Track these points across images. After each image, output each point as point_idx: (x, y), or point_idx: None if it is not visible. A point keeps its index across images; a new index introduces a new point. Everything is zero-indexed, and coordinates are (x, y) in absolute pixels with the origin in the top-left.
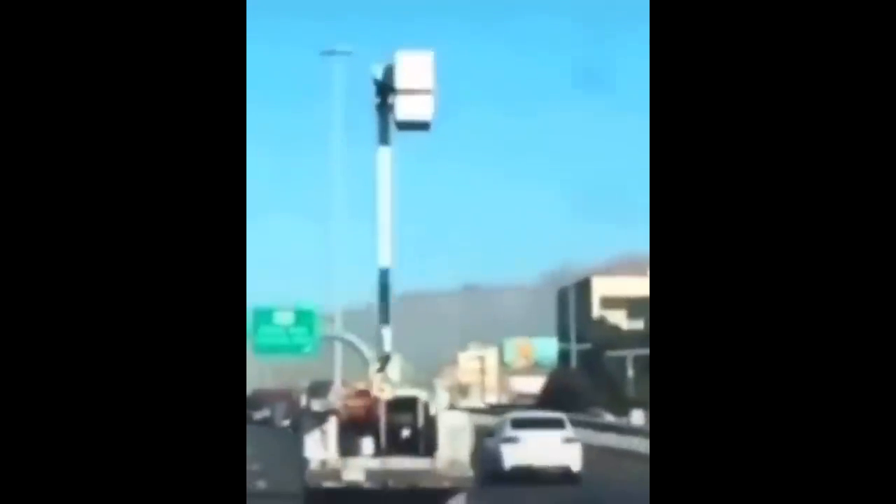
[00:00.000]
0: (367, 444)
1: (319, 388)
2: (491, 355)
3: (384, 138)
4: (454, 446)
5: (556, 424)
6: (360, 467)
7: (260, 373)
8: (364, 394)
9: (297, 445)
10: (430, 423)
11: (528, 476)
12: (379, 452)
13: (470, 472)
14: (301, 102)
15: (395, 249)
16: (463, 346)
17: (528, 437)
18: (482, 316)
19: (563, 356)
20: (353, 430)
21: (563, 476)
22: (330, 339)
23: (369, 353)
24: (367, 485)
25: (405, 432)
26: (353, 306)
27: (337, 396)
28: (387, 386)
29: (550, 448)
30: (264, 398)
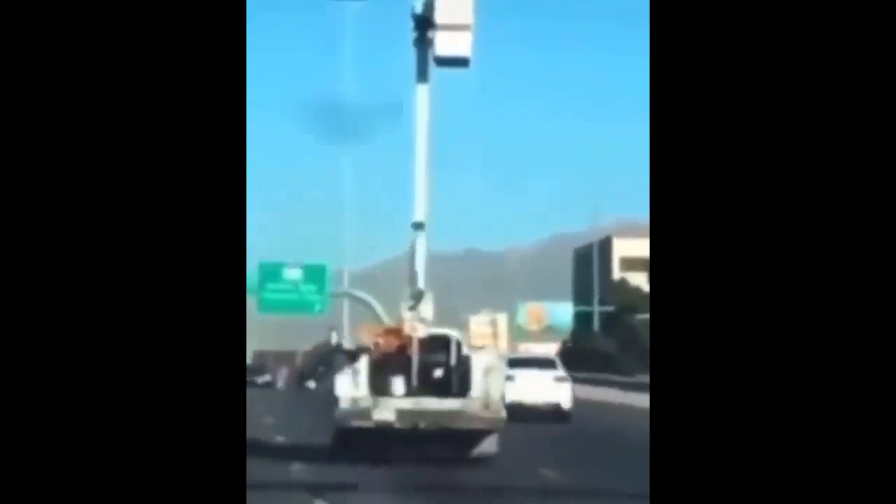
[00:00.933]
0: (399, 383)
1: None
2: (503, 320)
3: (422, 75)
4: (487, 386)
5: (549, 365)
6: (391, 407)
7: (261, 333)
8: (396, 332)
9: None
10: (463, 362)
11: (521, 412)
12: (410, 392)
13: (503, 413)
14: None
15: (431, 195)
16: (474, 310)
17: (522, 375)
18: (489, 278)
19: (582, 319)
20: (384, 369)
21: (554, 413)
22: (340, 297)
23: (382, 311)
24: (398, 425)
25: (437, 372)
26: (363, 265)
27: (368, 335)
28: (419, 324)
29: (543, 386)
30: (266, 361)
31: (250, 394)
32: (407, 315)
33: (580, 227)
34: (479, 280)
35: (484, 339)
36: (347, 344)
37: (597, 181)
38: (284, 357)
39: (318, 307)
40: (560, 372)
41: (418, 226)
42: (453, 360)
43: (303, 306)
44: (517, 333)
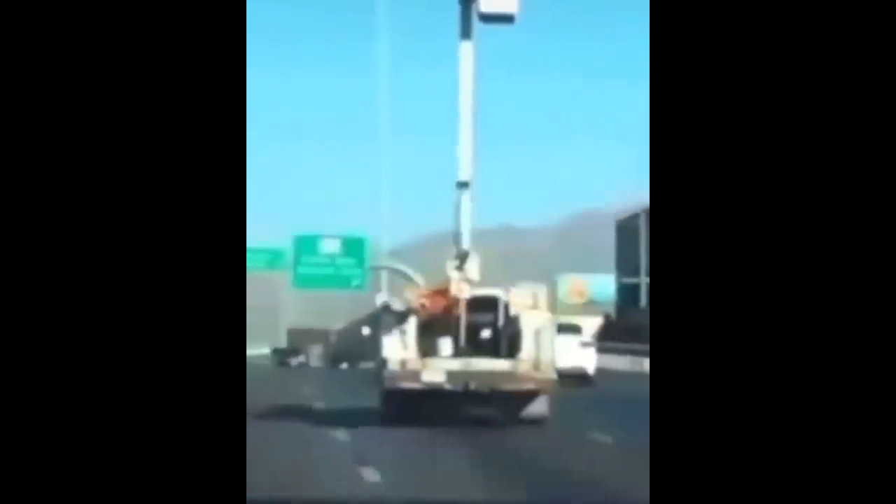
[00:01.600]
0: (446, 344)
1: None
2: (543, 293)
3: (466, 31)
4: (537, 346)
5: (574, 330)
6: (440, 368)
7: (297, 308)
8: (443, 293)
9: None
10: (512, 323)
11: None
12: (458, 353)
13: (554, 374)
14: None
15: (476, 156)
16: (510, 285)
17: None
18: (522, 253)
19: (627, 291)
20: (431, 330)
21: (578, 377)
22: (377, 270)
23: (423, 285)
24: (448, 386)
25: (485, 333)
26: (401, 239)
27: (415, 296)
28: (465, 285)
29: (568, 351)
30: (299, 338)
31: (285, 371)
32: (453, 275)
33: (612, 200)
34: (512, 255)
35: (520, 308)
36: (396, 305)
37: (640, 150)
38: (318, 335)
39: (356, 282)
40: (585, 338)
41: (463, 185)
42: (501, 321)
43: (340, 281)
44: (558, 307)
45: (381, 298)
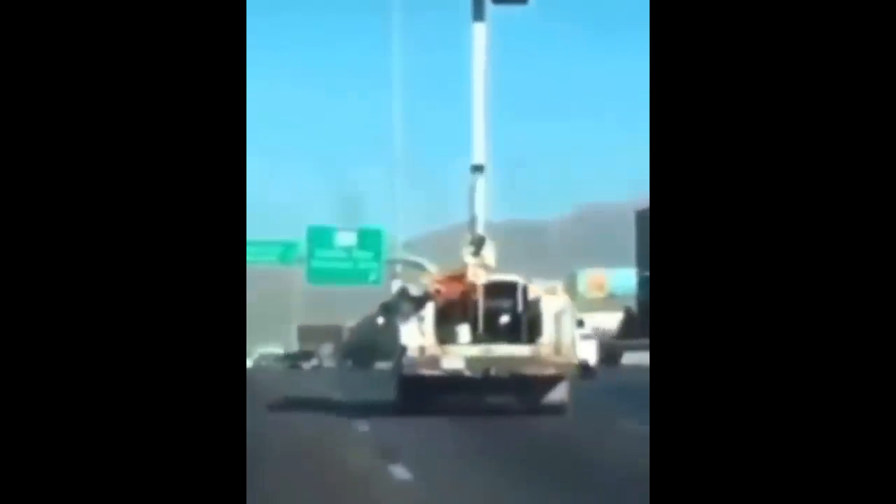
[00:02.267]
0: (465, 331)
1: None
2: (560, 288)
3: (479, 13)
4: (558, 330)
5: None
6: (460, 354)
7: (309, 304)
8: (459, 279)
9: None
10: (531, 307)
11: None
12: (477, 339)
13: (575, 359)
14: None
15: (489, 140)
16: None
17: None
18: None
19: (648, 285)
20: (449, 316)
21: (581, 369)
22: (393, 264)
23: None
24: (468, 372)
25: (504, 318)
26: (416, 232)
27: (431, 281)
28: (482, 270)
29: None
30: (311, 336)
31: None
32: (469, 261)
33: (632, 191)
34: (526, 249)
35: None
36: (413, 291)
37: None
38: (331, 332)
39: (373, 276)
40: (586, 330)
41: (477, 168)
42: (520, 306)
43: (356, 276)
44: (577, 302)
45: (396, 284)
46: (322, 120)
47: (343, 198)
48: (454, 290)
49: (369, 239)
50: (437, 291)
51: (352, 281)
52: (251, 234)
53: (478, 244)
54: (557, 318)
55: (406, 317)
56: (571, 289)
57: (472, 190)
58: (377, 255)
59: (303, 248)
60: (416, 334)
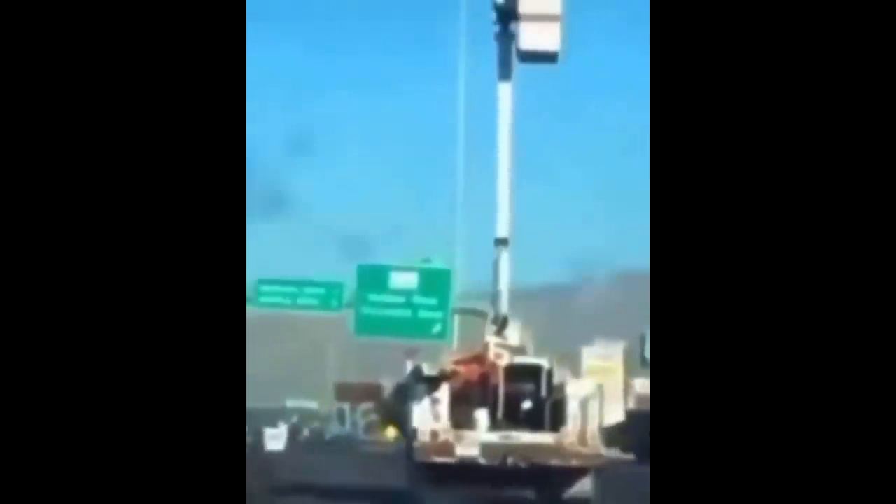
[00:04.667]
0: (483, 415)
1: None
2: (619, 351)
3: (505, 72)
4: (584, 418)
5: None
6: (475, 441)
7: (350, 358)
8: (479, 359)
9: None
10: (555, 393)
11: None
12: (496, 425)
13: (602, 450)
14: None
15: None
16: (587, 341)
17: None
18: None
19: None
20: (466, 399)
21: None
22: (464, 314)
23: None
24: (484, 461)
25: (526, 403)
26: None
27: (448, 361)
28: (504, 351)
29: None
30: (348, 395)
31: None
32: (491, 340)
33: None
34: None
35: (598, 374)
36: (427, 370)
37: None
38: (370, 391)
39: (436, 328)
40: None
41: (501, 242)
42: (544, 391)
43: (416, 327)
44: (642, 365)
45: (410, 364)
46: (379, 143)
47: (400, 231)
48: (473, 372)
49: (433, 281)
50: (455, 372)
51: (409, 333)
52: (289, 273)
53: (501, 323)
54: (584, 404)
55: (419, 398)
56: (637, 353)
57: (495, 264)
58: (443, 302)
59: (350, 290)
60: (429, 417)
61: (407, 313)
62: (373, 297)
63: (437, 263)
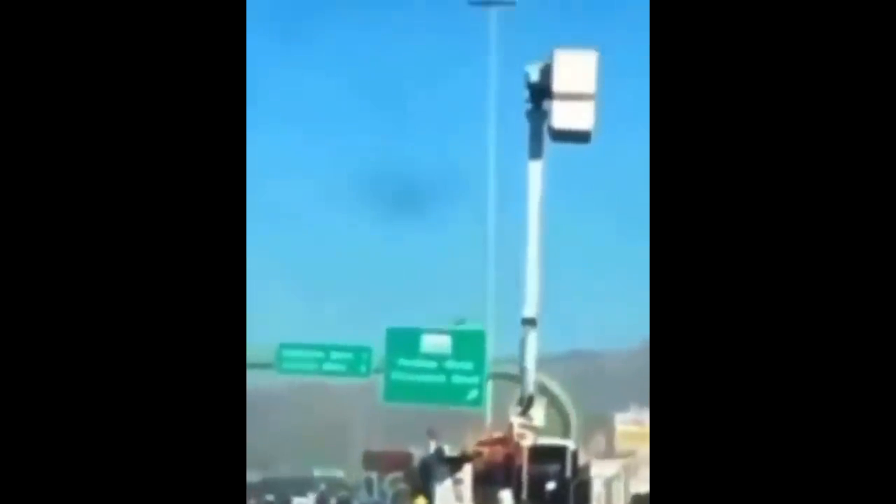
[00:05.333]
0: (506, 497)
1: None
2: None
3: (536, 150)
4: (608, 499)
5: None
6: None
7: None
8: (503, 440)
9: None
10: (581, 474)
11: None
12: None
13: None
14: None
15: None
16: (622, 407)
17: None
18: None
19: None
20: (490, 480)
21: None
22: (499, 379)
23: (572, 408)
24: None
25: (550, 484)
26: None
27: (472, 441)
28: (529, 431)
29: None
30: (376, 463)
31: None
32: (516, 421)
33: None
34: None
35: (631, 440)
36: (449, 451)
37: None
38: (399, 460)
39: (472, 394)
40: None
41: (529, 322)
42: (569, 472)
43: (449, 393)
44: None
45: (433, 444)
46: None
47: (431, 291)
48: (497, 453)
49: (467, 344)
50: (478, 453)
51: (443, 399)
52: (313, 338)
53: (526, 403)
54: (608, 484)
55: (441, 479)
56: None
57: (522, 344)
58: (479, 367)
59: (379, 355)
60: (452, 499)
61: (440, 379)
62: (403, 362)
63: (472, 324)
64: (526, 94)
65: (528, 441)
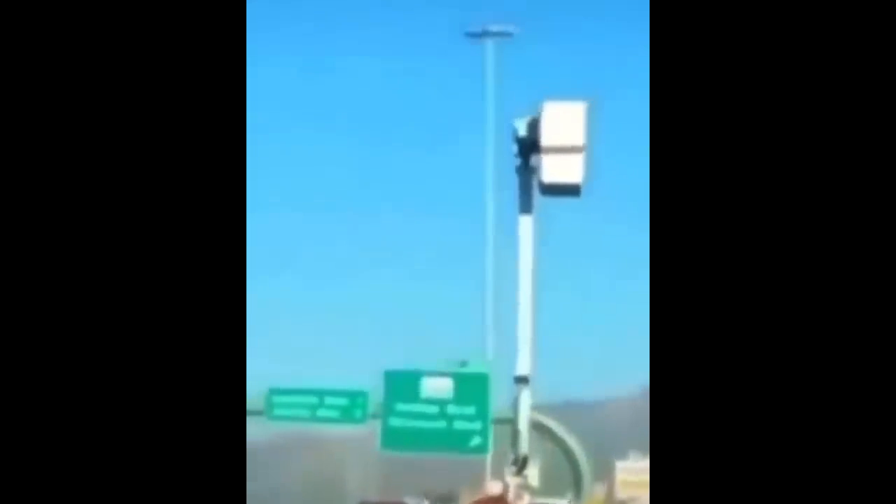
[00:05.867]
0: None
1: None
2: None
3: (526, 205)
4: None
5: None
6: None
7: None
8: (499, 500)
9: None
10: None
11: None
12: None
13: None
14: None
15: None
16: (621, 455)
17: None
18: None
19: None
20: None
21: None
22: (502, 424)
23: (582, 457)
24: None
25: None
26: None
27: (467, 500)
28: (524, 492)
29: None
30: None
31: None
32: (511, 481)
33: None
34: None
35: (633, 488)
36: None
37: None
38: None
39: (475, 440)
40: None
41: (521, 380)
42: None
43: (452, 440)
44: None
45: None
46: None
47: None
48: None
49: (470, 387)
50: None
51: (444, 447)
52: (304, 382)
53: (521, 463)
54: None
55: None
56: None
57: (515, 403)
58: (482, 411)
59: (374, 400)
60: None
61: (441, 425)
62: (402, 407)
63: (475, 366)
64: (514, 149)
65: (524, 502)
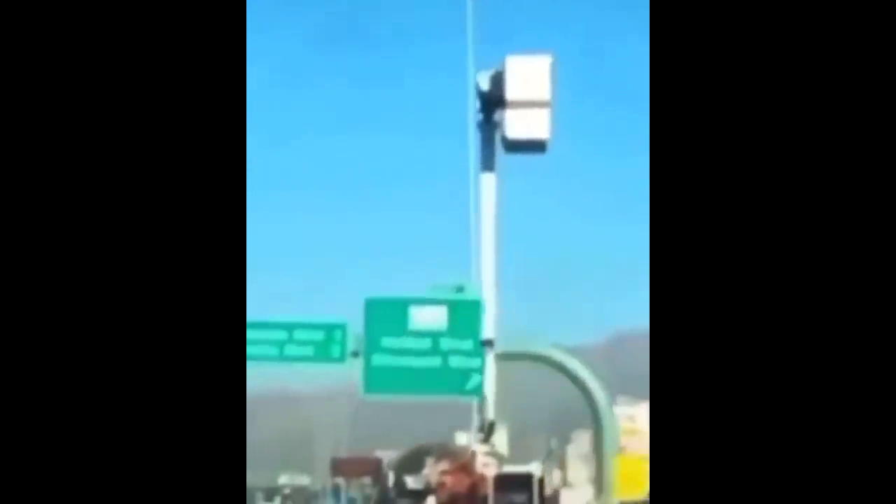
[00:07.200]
0: None
1: (413, 460)
2: (644, 412)
3: (488, 162)
4: None
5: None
6: None
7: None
8: (466, 469)
9: None
10: (548, 502)
11: None
12: None
13: None
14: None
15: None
16: (549, 422)
17: None
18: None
19: None
20: None
21: None
22: (507, 361)
23: (598, 391)
24: None
25: None
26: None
27: (433, 472)
28: (492, 459)
29: None
30: (345, 469)
31: None
32: (478, 449)
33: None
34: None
35: (623, 435)
36: (411, 483)
37: None
38: (368, 465)
39: (473, 383)
40: None
41: (489, 343)
42: (535, 501)
43: (446, 381)
44: None
45: (392, 476)
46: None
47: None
48: (460, 483)
49: (465, 316)
50: (441, 484)
51: (437, 388)
52: (269, 313)
53: (488, 430)
54: None
55: None
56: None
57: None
58: (477, 346)
59: (355, 333)
60: None
61: (434, 362)
62: (387, 342)
63: (472, 292)
64: (477, 104)
65: (492, 469)
